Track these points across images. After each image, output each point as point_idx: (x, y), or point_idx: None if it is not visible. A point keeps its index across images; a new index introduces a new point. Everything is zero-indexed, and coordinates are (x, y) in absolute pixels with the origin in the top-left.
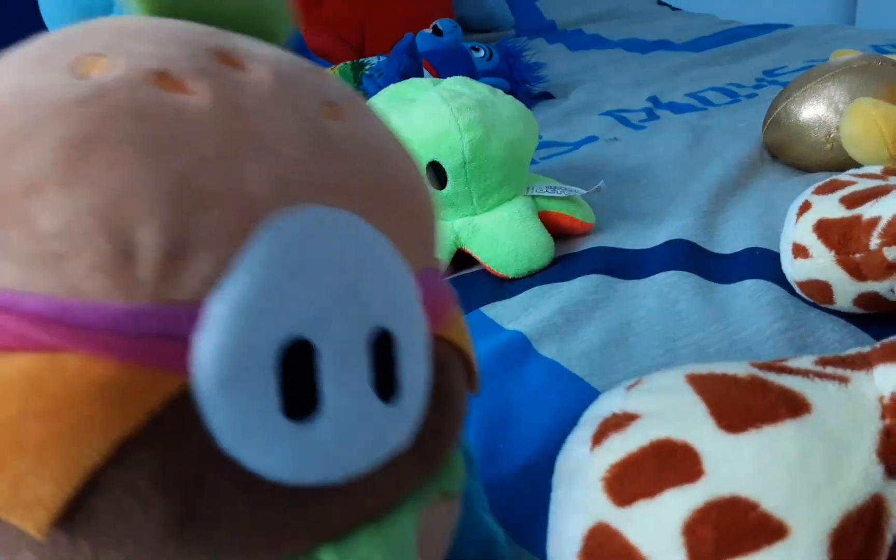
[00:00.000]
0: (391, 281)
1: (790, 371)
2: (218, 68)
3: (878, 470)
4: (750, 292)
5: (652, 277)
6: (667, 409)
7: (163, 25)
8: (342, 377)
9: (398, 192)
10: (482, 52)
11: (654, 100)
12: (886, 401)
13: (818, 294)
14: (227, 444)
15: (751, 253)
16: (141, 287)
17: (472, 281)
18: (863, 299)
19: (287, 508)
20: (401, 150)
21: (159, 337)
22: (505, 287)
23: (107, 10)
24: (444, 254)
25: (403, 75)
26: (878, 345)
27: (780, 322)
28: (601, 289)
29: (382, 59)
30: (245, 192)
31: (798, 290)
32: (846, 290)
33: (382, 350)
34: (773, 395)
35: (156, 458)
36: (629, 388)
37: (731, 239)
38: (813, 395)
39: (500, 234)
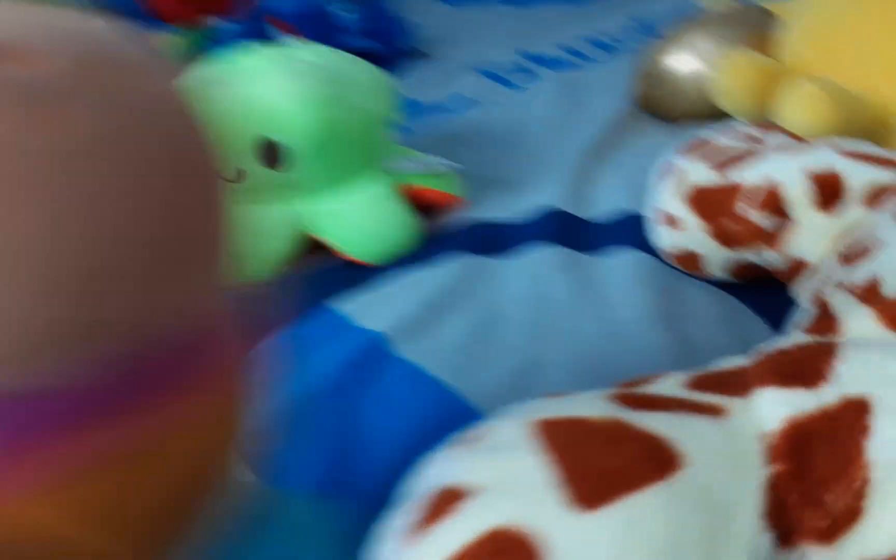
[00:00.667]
0: None
1: (658, 404)
2: None
3: (765, 540)
4: (623, 266)
5: (523, 255)
6: (508, 478)
7: None
8: None
9: None
10: (350, 11)
11: (525, 54)
12: (772, 440)
13: (691, 264)
14: None
15: (623, 220)
16: None
17: (324, 271)
18: (737, 268)
19: None
20: None
21: None
22: (363, 277)
23: None
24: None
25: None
26: (755, 356)
27: (655, 298)
28: (469, 272)
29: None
30: None
31: (669, 260)
32: (720, 258)
33: None
34: (637, 446)
35: None
36: (468, 441)
37: (602, 203)
38: (685, 441)
39: (357, 215)
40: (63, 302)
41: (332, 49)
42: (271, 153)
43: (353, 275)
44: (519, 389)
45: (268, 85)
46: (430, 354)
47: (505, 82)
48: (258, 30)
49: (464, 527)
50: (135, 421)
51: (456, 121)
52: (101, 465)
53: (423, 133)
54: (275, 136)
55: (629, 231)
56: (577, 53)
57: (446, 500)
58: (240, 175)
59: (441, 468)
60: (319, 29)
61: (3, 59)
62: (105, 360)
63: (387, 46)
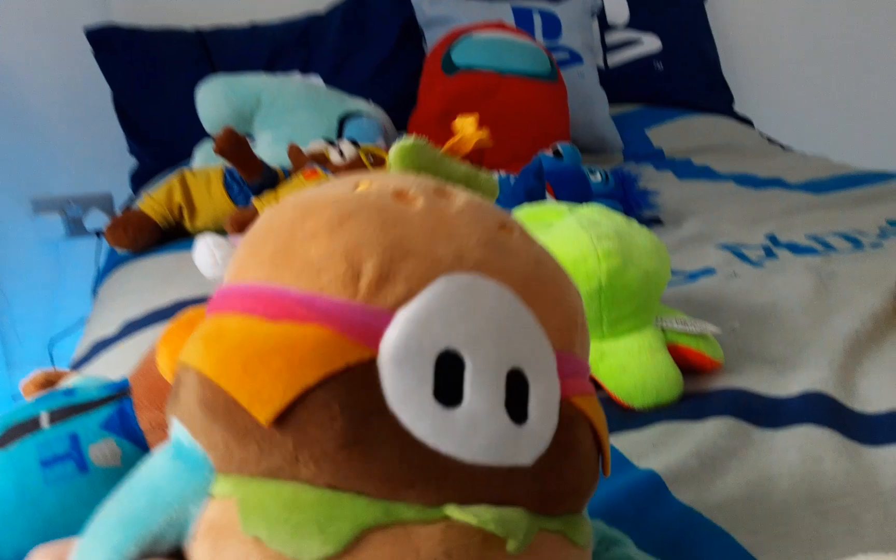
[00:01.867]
0: (530, 340)
1: None
2: (434, 193)
3: None
4: None
5: (790, 429)
6: None
7: (409, 174)
8: (481, 387)
9: (544, 289)
10: (599, 176)
11: (772, 238)
12: None
13: None
14: (391, 401)
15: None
16: (358, 294)
17: None
18: None
19: (425, 461)
20: (553, 262)
21: (363, 324)
22: (631, 418)
23: (253, 111)
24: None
25: (529, 195)
26: None
27: None
28: (736, 435)
29: (503, 176)
30: (434, 255)
31: None
32: None
33: (518, 386)
34: None
35: (344, 391)
36: None
37: (872, 397)
38: None
39: (629, 363)
40: (575, 322)
41: (614, 210)
42: None
43: (623, 415)
44: (805, 554)
45: (572, 238)
46: (706, 503)
47: (749, 260)
48: (539, 189)
49: None
50: (590, 385)
51: (701, 288)
52: (591, 394)
53: (669, 297)
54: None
55: None
56: (823, 243)
57: None
58: None
59: None
60: (578, 193)
61: (443, 196)
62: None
63: (629, 212)
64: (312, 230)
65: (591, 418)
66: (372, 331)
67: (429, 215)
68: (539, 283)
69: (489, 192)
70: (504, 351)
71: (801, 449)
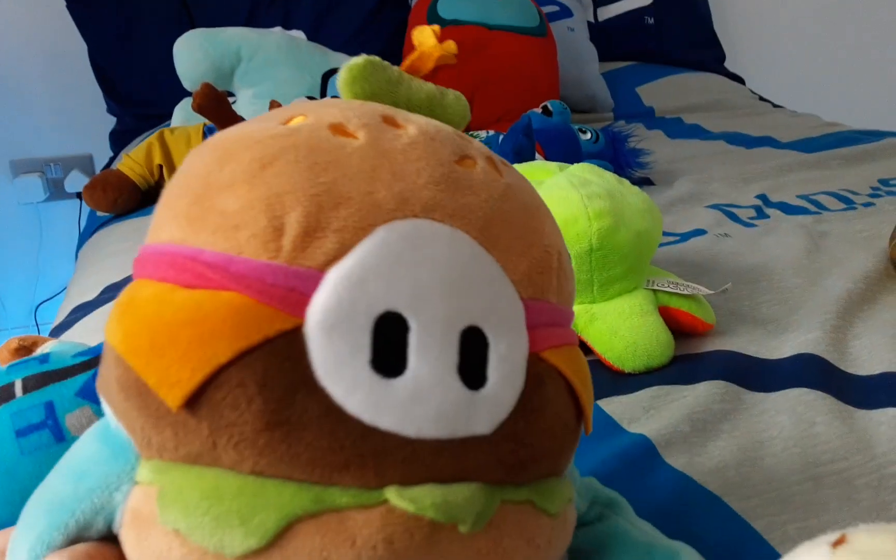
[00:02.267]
0: (490, 291)
1: None
2: (380, 124)
3: None
4: (895, 423)
5: (783, 392)
6: None
7: (356, 101)
8: (427, 352)
9: (510, 228)
10: (589, 135)
11: (763, 198)
12: None
13: None
14: (320, 375)
15: (890, 378)
16: (281, 253)
17: None
18: None
19: (359, 440)
20: (526, 195)
21: (286, 288)
22: (622, 381)
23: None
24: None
25: (518, 154)
26: None
27: None
28: (728, 398)
29: (491, 134)
30: (372, 201)
31: None
32: None
33: (476, 346)
34: None
35: (262, 368)
36: (834, 544)
37: (865, 359)
38: None
39: (620, 326)
40: (550, 267)
41: (605, 170)
42: None
43: (613, 379)
44: (799, 520)
45: (562, 198)
46: (698, 468)
47: (740, 221)
48: (528, 148)
49: None
50: (569, 334)
51: (692, 249)
52: (569, 345)
53: (661, 258)
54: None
55: None
56: (815, 202)
57: None
58: None
59: (815, 559)
60: (568, 151)
61: (392, 126)
62: (556, 299)
63: (620, 171)
64: (230, 178)
65: (565, 373)
66: (297, 295)
67: (370, 151)
68: (504, 222)
69: (458, 116)
70: (456, 307)
71: (793, 412)
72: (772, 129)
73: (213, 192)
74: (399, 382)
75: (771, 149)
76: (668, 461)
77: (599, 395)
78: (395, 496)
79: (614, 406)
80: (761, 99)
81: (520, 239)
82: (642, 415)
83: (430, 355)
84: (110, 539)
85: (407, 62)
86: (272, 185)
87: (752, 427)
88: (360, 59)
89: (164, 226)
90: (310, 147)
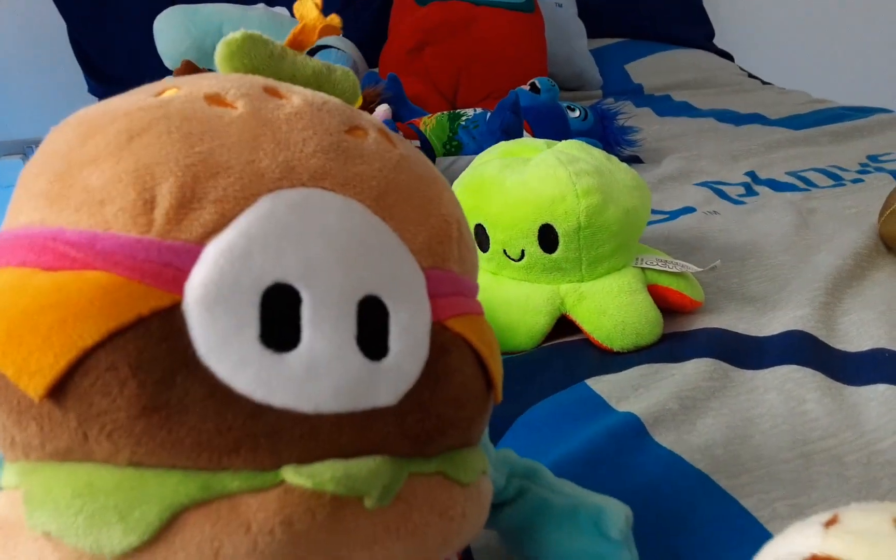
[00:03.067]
0: (388, 260)
1: None
2: (261, 94)
3: None
4: (884, 399)
5: (771, 369)
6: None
7: (235, 74)
8: (322, 324)
9: (406, 198)
10: (577, 112)
11: (752, 175)
12: None
13: None
14: (203, 353)
15: (879, 354)
16: (153, 227)
17: (574, 350)
18: None
19: (250, 419)
20: (422, 167)
21: (160, 264)
22: (610, 360)
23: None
24: (542, 316)
25: (506, 132)
26: None
27: None
28: (717, 376)
29: (479, 112)
30: (254, 170)
31: None
32: None
33: (376, 315)
34: None
35: (136, 349)
36: (826, 524)
37: (854, 336)
38: None
39: (608, 304)
40: (449, 236)
41: (594, 146)
42: (548, 238)
43: (601, 358)
44: (789, 497)
45: (550, 175)
46: (686, 446)
47: (729, 198)
48: (516, 125)
49: None
50: (474, 304)
51: (681, 227)
52: (475, 315)
53: (650, 236)
54: (552, 223)
55: (888, 367)
56: (804, 179)
57: None
58: (522, 254)
59: (807, 539)
60: (556, 129)
61: (274, 96)
62: (458, 269)
63: (609, 149)
64: (93, 153)
65: (471, 341)
66: (172, 271)
67: (251, 121)
68: (399, 192)
69: (347, 92)
70: (353, 276)
71: (782, 389)
72: (761, 107)
73: (76, 169)
74: (292, 357)
75: (760, 126)
76: (656, 439)
77: (588, 373)
78: (293, 474)
79: (602, 385)
80: (750, 76)
81: (417, 209)
82: (631, 393)
83: (325, 327)
84: None
85: (290, 38)
86: (141, 157)
87: (740, 404)
88: (238, 33)
89: (21, 209)
90: (183, 116)
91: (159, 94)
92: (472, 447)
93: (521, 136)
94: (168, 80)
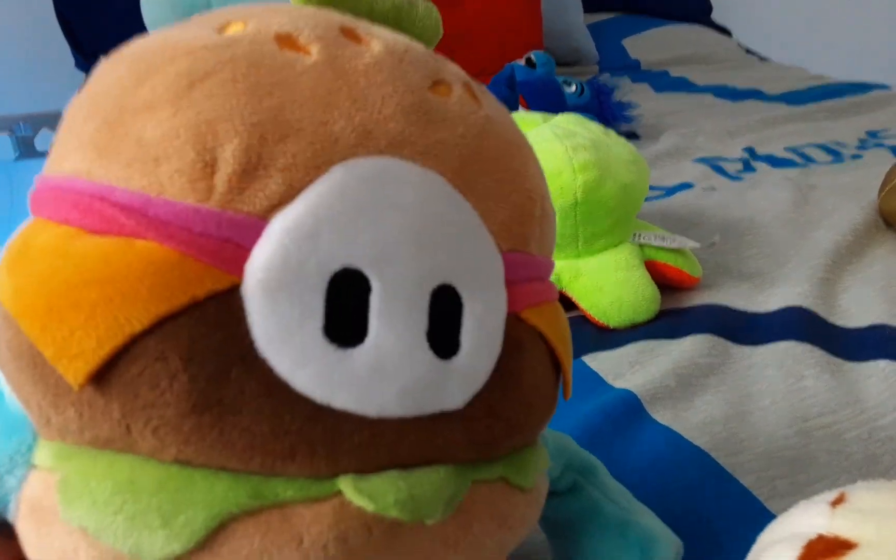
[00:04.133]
0: (466, 244)
1: None
2: (337, 38)
3: None
4: (885, 375)
5: (770, 346)
6: (889, 539)
7: (308, 8)
8: (393, 316)
9: (492, 169)
10: (574, 87)
11: (750, 151)
12: None
13: None
14: (262, 346)
15: (879, 330)
16: (213, 194)
17: (571, 326)
18: None
19: (308, 423)
20: (507, 130)
21: (219, 239)
22: (607, 337)
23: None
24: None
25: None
26: None
27: None
28: (715, 352)
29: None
30: (327, 133)
31: None
32: None
33: (448, 307)
34: None
35: (188, 337)
36: (833, 503)
37: (854, 312)
38: None
39: (605, 281)
40: (531, 214)
41: (592, 122)
42: None
43: (598, 334)
44: (788, 475)
45: (546, 150)
46: (685, 423)
47: (727, 174)
48: (512, 100)
49: None
50: (550, 289)
51: (678, 203)
52: (550, 302)
53: (647, 212)
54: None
55: (889, 344)
56: (802, 155)
57: (829, 547)
58: None
59: (813, 518)
60: (552, 104)
61: (353, 40)
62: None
63: (606, 125)
64: (149, 98)
65: (546, 334)
66: (232, 248)
67: (326, 71)
68: (482, 162)
69: (429, 31)
70: (428, 263)
71: (781, 366)
72: (759, 82)
73: (129, 115)
74: (358, 353)
75: (758, 102)
76: (654, 417)
77: (584, 350)
78: (351, 490)
79: (599, 362)
80: (748, 51)
81: (500, 182)
82: (628, 370)
83: (395, 320)
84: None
85: None
86: (203, 109)
87: (739, 381)
88: None
89: (66, 154)
90: (251, 62)
91: (224, 28)
92: (535, 446)
93: (516, 111)
94: (234, 8)
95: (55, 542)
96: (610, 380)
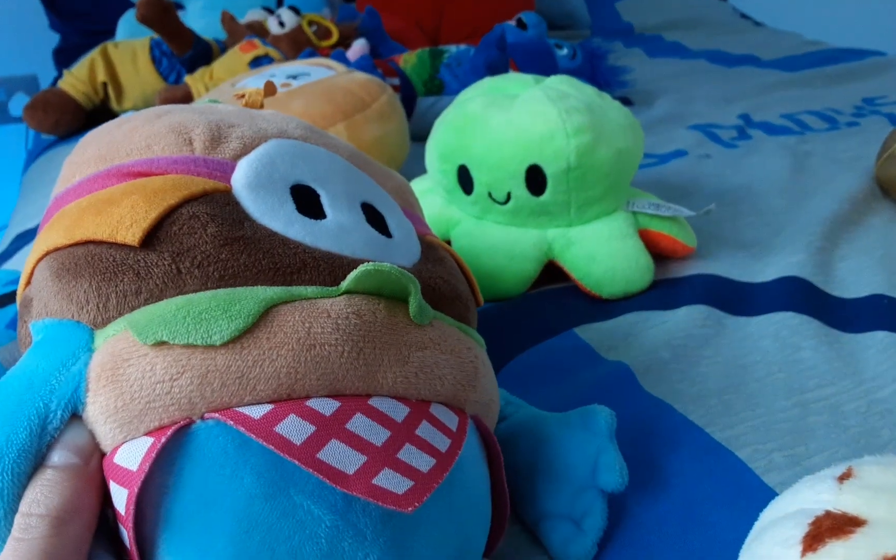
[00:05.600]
0: (371, 186)
1: None
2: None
3: None
4: (883, 346)
5: (766, 316)
6: None
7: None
8: (340, 210)
9: (372, 164)
10: (566, 50)
11: (745, 117)
12: None
13: None
14: (257, 217)
15: (877, 300)
16: (195, 152)
17: (562, 297)
18: None
19: (308, 251)
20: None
21: (207, 171)
22: (599, 307)
23: None
24: (529, 263)
25: (490, 68)
26: None
27: None
28: (710, 323)
29: (462, 48)
30: (259, 127)
31: None
32: None
33: (375, 216)
34: None
35: (208, 207)
36: (840, 478)
37: (851, 281)
38: None
39: (598, 250)
40: (406, 200)
41: (586, 84)
42: (536, 180)
43: (590, 305)
44: (785, 447)
45: (539, 112)
46: (679, 396)
47: (722, 141)
48: (502, 62)
49: (861, 550)
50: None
51: (673, 171)
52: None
53: (641, 179)
54: (540, 163)
55: (886, 314)
56: (799, 122)
57: (837, 523)
58: (508, 197)
59: (820, 494)
60: (544, 67)
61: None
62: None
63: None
64: (131, 127)
65: (450, 251)
66: (218, 175)
67: (243, 113)
68: (364, 160)
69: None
70: (353, 187)
71: (777, 337)
72: (753, 48)
73: (119, 139)
74: (325, 222)
75: (753, 68)
76: (647, 389)
77: (576, 322)
78: (354, 284)
79: (592, 333)
80: (742, 16)
81: (380, 172)
82: (621, 342)
83: (342, 212)
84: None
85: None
86: (172, 120)
87: (734, 352)
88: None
89: (74, 175)
90: (196, 109)
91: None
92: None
93: (506, 73)
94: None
95: (133, 373)
96: (603, 352)
